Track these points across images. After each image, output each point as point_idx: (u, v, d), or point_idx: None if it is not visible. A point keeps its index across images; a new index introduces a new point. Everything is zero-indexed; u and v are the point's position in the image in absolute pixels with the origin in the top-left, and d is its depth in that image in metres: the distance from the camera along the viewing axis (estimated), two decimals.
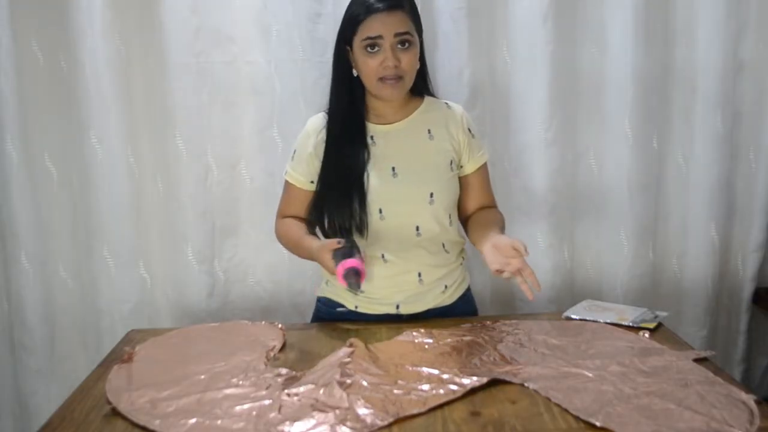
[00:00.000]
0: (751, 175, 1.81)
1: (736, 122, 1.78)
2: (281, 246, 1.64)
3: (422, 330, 1.27)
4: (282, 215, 1.49)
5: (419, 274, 1.38)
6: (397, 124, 1.41)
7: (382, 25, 1.28)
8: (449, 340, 1.24)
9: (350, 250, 1.23)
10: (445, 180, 1.39)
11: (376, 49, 1.29)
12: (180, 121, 1.65)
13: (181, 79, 1.63)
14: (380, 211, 1.36)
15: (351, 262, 1.20)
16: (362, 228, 1.35)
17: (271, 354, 1.20)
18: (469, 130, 1.43)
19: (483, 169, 1.46)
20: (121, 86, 1.63)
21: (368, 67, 1.31)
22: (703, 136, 1.76)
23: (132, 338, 1.33)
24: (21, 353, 1.73)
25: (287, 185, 1.46)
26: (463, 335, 1.26)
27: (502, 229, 1.36)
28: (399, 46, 1.30)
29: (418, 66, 1.36)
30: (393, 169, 1.37)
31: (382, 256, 1.37)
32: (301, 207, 1.45)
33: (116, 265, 1.70)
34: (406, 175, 1.37)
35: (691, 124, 1.77)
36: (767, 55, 1.75)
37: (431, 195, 1.36)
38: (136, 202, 1.70)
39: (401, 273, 1.38)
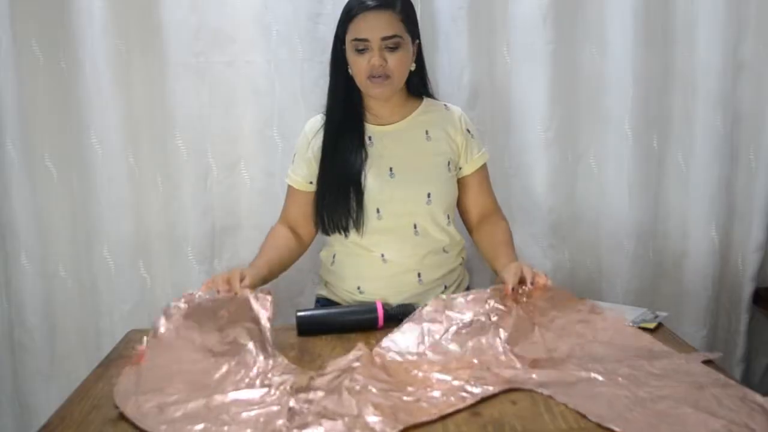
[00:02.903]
0: (751, 175, 1.81)
1: (736, 122, 1.78)
2: None
3: None
4: (283, 218, 1.49)
5: (419, 274, 1.38)
6: (394, 125, 1.41)
7: (369, 28, 1.30)
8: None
9: None
10: (443, 181, 1.39)
11: (364, 50, 1.31)
12: (180, 121, 1.65)
13: (181, 79, 1.63)
14: (378, 210, 1.36)
15: None
16: (359, 227, 1.36)
17: (268, 326, 1.17)
18: (468, 131, 1.43)
19: (483, 169, 1.46)
20: (121, 86, 1.63)
21: (357, 66, 1.33)
22: (703, 136, 1.76)
23: (132, 338, 1.33)
24: (21, 353, 1.72)
25: (289, 188, 1.48)
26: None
27: (512, 245, 1.40)
28: (386, 48, 1.31)
29: (409, 66, 1.37)
30: (390, 169, 1.37)
31: (382, 256, 1.37)
32: (300, 209, 1.45)
33: (116, 265, 1.70)
34: (404, 176, 1.37)
35: (691, 124, 1.77)
36: (767, 55, 1.75)
37: (428, 195, 1.36)
38: (136, 202, 1.70)
39: (401, 273, 1.38)
